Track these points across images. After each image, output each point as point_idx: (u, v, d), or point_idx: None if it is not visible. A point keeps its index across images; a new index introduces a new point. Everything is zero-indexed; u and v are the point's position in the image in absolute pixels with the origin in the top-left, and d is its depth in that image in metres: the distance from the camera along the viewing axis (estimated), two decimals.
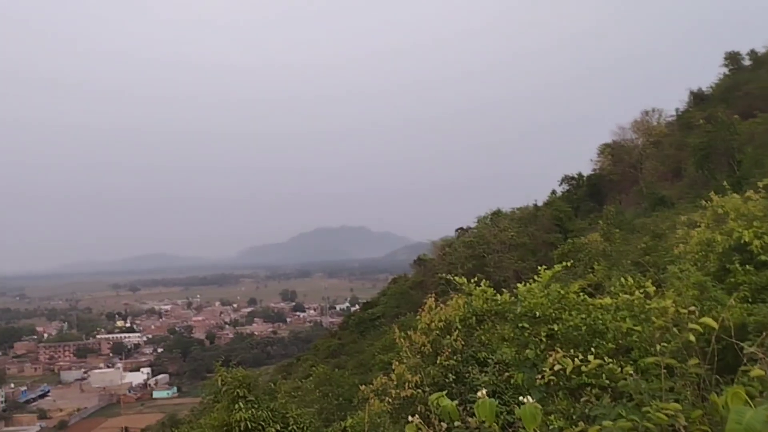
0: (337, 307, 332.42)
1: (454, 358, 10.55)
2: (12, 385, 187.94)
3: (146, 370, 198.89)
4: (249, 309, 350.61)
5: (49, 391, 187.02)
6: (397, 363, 11.14)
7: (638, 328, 6.27)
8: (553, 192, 59.75)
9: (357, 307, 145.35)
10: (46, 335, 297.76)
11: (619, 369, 5.80)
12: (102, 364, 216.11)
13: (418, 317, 10.98)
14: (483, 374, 9.64)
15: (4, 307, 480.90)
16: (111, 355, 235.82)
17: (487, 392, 4.39)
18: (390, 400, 11.63)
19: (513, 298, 7.56)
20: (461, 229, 62.82)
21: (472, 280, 8.25)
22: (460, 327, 9.58)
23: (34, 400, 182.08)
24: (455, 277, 8.51)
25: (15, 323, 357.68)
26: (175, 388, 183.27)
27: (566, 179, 60.55)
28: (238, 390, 13.95)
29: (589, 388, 6.17)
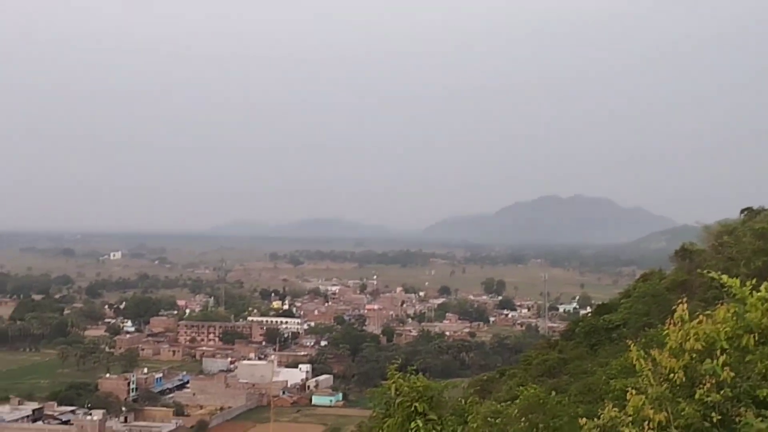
0: (560, 308, 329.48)
1: (720, 392, 10.20)
2: (145, 370, 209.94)
3: (305, 367, 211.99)
4: (440, 300, 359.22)
5: (188, 382, 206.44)
6: (633, 392, 10.97)
7: None
8: None
9: (588, 309, 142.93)
10: (188, 311, 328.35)
11: None
12: (252, 354, 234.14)
13: (665, 332, 10.68)
14: (761, 419, 9.27)
15: (141, 272, 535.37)
16: (263, 343, 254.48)
17: None
18: None
19: None
20: (749, 210, 59.13)
21: (749, 283, 7.90)
22: (726, 348, 9.20)
23: (171, 390, 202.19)
24: (723, 276, 8.20)
25: (153, 293, 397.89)
26: (340, 395, 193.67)
27: None
28: (417, 404, 14.54)
29: None
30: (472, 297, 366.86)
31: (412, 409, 14.52)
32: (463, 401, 18.84)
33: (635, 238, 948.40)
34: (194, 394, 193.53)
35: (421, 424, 14.09)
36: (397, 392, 14.92)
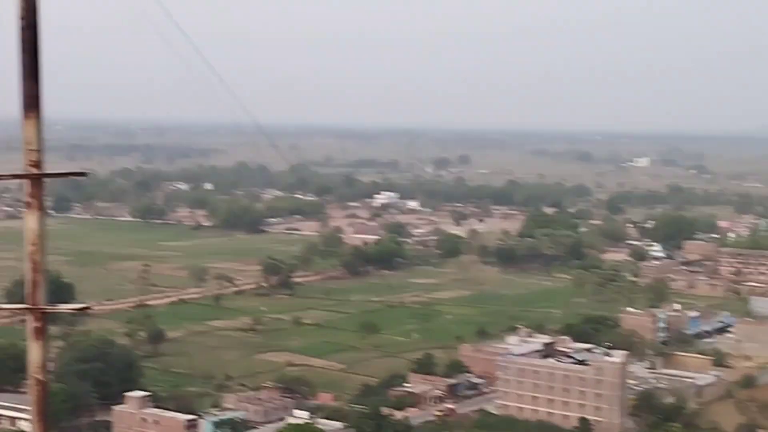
0: None
1: None
2: (677, 306, 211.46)
3: None
4: None
5: (731, 325, 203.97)
6: None
7: None
8: None
9: None
10: (732, 235, 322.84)
11: None
12: None
13: None
14: None
15: (672, 183, 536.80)
16: None
17: None
18: None
19: None
20: None
21: None
22: None
23: (708, 334, 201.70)
24: None
25: (687, 210, 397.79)
26: None
27: None
28: None
29: None
30: None
31: None
32: None
33: None
34: (739, 342, 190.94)
35: None
36: None
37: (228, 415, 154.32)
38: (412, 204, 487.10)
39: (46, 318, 12.44)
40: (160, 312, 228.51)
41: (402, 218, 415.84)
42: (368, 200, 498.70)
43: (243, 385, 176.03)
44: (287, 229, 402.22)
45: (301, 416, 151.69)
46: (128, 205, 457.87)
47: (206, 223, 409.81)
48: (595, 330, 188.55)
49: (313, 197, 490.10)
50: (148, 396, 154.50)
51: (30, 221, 12.20)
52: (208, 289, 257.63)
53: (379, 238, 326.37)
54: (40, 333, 12.42)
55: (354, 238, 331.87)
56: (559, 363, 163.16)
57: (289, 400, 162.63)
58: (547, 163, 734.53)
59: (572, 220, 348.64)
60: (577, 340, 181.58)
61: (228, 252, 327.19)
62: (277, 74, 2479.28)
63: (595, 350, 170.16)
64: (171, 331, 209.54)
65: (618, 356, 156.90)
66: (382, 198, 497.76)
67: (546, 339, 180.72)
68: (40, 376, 12.38)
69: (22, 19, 12.04)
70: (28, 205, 12.23)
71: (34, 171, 12.01)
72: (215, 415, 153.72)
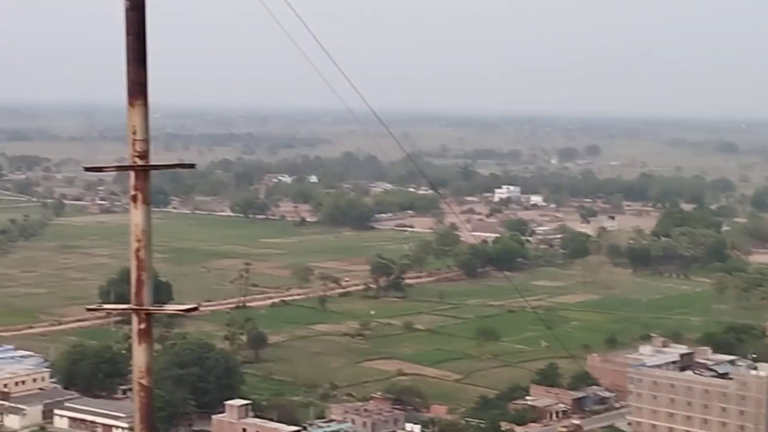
0: None
1: None
2: None
3: None
4: None
5: None
6: None
7: None
8: None
9: None
10: None
11: None
12: None
13: None
14: None
15: None
16: None
17: None
18: None
19: None
20: None
21: None
22: None
23: None
24: None
25: None
26: None
27: None
28: None
29: None
30: None
31: None
32: None
33: None
34: None
35: None
36: None
37: (333, 426, 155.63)
38: (535, 199, 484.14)
39: (151, 319, 12.58)
40: (261, 314, 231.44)
41: (524, 214, 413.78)
42: (487, 194, 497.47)
43: (349, 394, 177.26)
44: (398, 226, 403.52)
45: (412, 429, 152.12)
46: (228, 198, 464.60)
47: (311, 219, 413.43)
48: (739, 340, 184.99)
49: (426, 191, 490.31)
50: (249, 404, 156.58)
51: (135, 216, 12.37)
52: (313, 290, 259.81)
53: (499, 236, 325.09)
54: (146, 335, 12.58)
55: (471, 235, 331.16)
56: (699, 376, 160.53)
57: (399, 412, 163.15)
58: (686, 154, 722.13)
59: (713, 217, 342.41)
60: (718, 351, 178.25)
61: (334, 250, 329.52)
62: (387, 59, 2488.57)
63: (738, 362, 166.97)
64: (273, 335, 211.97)
65: (765, 369, 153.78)
66: (502, 192, 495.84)
67: (683, 349, 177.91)
68: (145, 382, 12.55)
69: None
70: (133, 198, 12.39)
71: (141, 162, 12.16)
72: (320, 426, 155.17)
